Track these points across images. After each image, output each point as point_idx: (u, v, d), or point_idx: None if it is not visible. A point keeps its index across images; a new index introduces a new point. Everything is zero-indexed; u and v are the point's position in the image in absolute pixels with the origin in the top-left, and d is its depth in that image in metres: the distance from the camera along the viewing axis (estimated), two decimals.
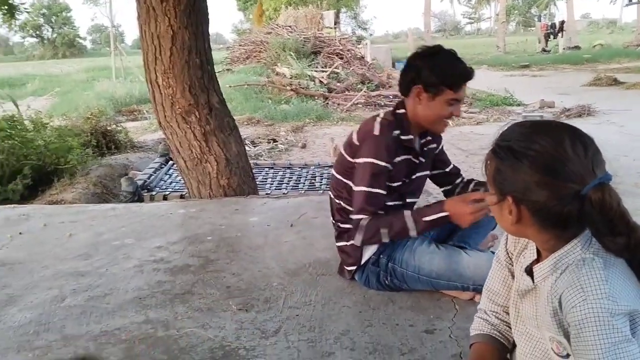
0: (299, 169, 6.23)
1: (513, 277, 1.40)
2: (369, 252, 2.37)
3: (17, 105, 7.62)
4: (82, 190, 6.02)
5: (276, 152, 8.93)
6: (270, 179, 5.79)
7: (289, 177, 5.88)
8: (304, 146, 9.22)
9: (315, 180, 5.79)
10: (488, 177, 1.22)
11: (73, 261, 2.93)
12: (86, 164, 6.83)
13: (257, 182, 4.87)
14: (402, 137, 2.31)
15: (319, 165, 6.42)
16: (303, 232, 3.28)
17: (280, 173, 6.05)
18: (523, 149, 1.14)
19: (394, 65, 19.37)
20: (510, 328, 1.41)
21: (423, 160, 2.45)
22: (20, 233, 3.42)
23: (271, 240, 3.16)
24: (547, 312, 1.17)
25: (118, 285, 2.61)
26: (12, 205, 4.18)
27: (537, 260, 1.27)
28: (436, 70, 2.20)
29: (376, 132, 2.25)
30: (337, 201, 2.46)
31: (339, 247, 2.47)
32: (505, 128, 1.22)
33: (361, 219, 2.26)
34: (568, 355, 1.13)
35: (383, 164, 2.24)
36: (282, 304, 2.40)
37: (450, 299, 2.33)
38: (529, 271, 1.29)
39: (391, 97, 12.31)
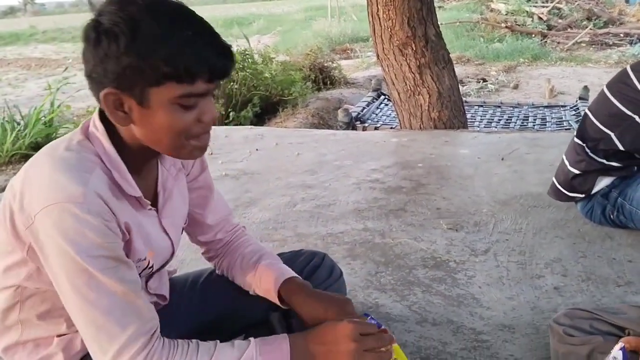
0: (511, 109, 6.03)
1: None
2: (601, 183, 2.30)
3: (248, 41, 8.44)
4: (302, 120, 6.60)
5: (485, 91, 8.69)
6: (479, 117, 5.72)
7: (499, 116, 5.75)
8: (516, 87, 8.81)
9: (527, 120, 5.57)
10: None
11: (301, 175, 3.32)
12: (305, 97, 7.43)
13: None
14: None
15: (533, 105, 6.13)
16: (514, 166, 3.27)
17: (490, 111, 5.93)
18: None
19: (627, 1, 17.07)
20: None
21: None
22: (256, 149, 3.94)
23: (481, 172, 3.21)
24: None
25: (340, 198, 2.92)
26: (249, 127, 4.79)
27: None
28: None
29: None
30: (581, 143, 2.35)
31: (574, 174, 2.35)
32: None
33: None
34: None
35: None
36: (491, 228, 2.48)
37: None
38: None
39: (622, 35, 10.99)
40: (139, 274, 1.09)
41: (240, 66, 6.87)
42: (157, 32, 0.92)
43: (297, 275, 1.31)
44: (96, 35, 0.93)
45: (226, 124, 6.32)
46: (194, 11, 0.99)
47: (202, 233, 1.39)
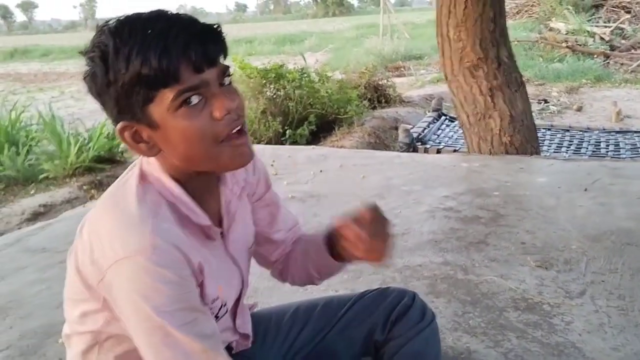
0: (580, 133, 5.77)
1: None
2: None
3: (305, 59, 8.44)
4: (359, 139, 6.51)
5: (547, 113, 8.41)
6: (547, 141, 5.50)
7: (569, 141, 5.51)
8: (579, 109, 8.50)
9: (600, 146, 5.31)
10: None
11: (369, 199, 3.19)
12: (361, 115, 7.34)
13: None
14: None
15: (604, 130, 5.85)
16: (599, 197, 3.07)
17: (559, 135, 5.70)
18: None
19: None
20: None
21: None
22: (320, 171, 3.85)
23: (564, 203, 3.02)
24: None
25: (413, 227, 2.79)
26: (311, 147, 4.72)
27: None
28: None
29: None
30: None
31: None
32: None
33: None
34: None
35: None
36: (584, 267, 2.30)
37: None
38: None
39: None
40: (217, 316, 1.03)
41: (298, 84, 6.86)
42: (123, 48, 0.85)
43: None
44: (86, 83, 0.89)
45: (282, 143, 6.29)
46: (163, 10, 0.90)
47: (274, 250, 1.30)
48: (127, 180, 0.98)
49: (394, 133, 6.81)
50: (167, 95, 0.87)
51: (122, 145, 5.88)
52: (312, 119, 6.83)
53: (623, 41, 12.27)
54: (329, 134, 6.97)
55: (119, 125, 0.91)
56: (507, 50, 4.08)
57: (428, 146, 5.33)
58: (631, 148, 5.13)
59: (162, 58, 0.84)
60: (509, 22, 16.16)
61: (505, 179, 3.46)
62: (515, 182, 3.41)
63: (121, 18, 0.89)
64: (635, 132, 5.66)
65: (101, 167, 5.30)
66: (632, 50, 11.70)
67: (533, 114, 8.23)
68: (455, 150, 4.89)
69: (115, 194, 0.97)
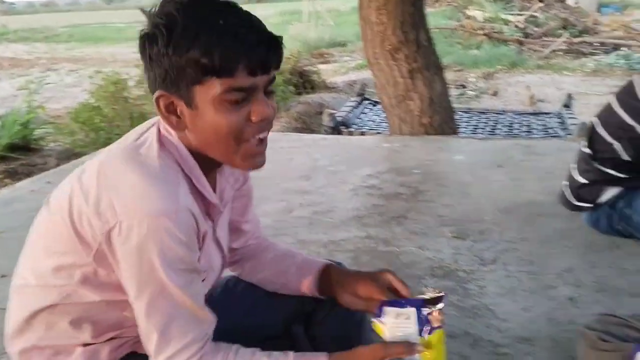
0: (495, 115, 6.05)
1: None
2: (608, 193, 2.27)
3: None
4: (285, 124, 6.52)
5: (465, 98, 8.73)
6: (464, 124, 5.71)
7: (485, 123, 5.75)
8: (495, 93, 8.87)
9: (513, 127, 5.59)
10: None
11: (296, 181, 3.23)
12: (287, 101, 7.35)
13: None
14: None
15: (518, 112, 6.16)
16: (512, 173, 3.24)
17: (476, 118, 5.94)
18: None
19: (599, 10, 17.48)
20: None
21: None
22: None
23: (479, 179, 3.17)
24: None
25: (338, 205, 2.85)
26: None
27: None
28: None
29: None
30: (589, 153, 2.32)
31: (581, 183, 2.35)
32: None
33: None
34: None
35: None
36: (497, 237, 2.44)
37: None
38: None
39: (597, 44, 11.20)
40: None
41: None
42: (191, 27, 0.89)
43: (336, 262, 1.29)
44: (141, 41, 0.92)
45: None
46: (236, 4, 0.94)
47: (237, 239, 1.32)
48: (146, 140, 0.99)
49: (319, 118, 6.86)
50: (216, 86, 0.90)
51: (37, 133, 5.62)
52: None
53: (536, 29, 12.88)
54: None
55: (158, 92, 0.94)
56: (425, 34, 4.21)
57: (352, 129, 5.42)
58: (542, 129, 5.43)
59: (226, 53, 0.88)
60: (429, 10, 16.54)
61: (425, 158, 3.59)
62: (435, 161, 3.54)
63: None
64: (546, 113, 6.00)
65: (15, 156, 5.04)
66: (544, 38, 12.32)
67: (452, 98, 8.56)
68: (378, 133, 5.00)
69: (137, 152, 0.98)
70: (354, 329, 1.32)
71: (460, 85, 9.37)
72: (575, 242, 2.34)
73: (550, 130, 5.30)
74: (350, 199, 2.92)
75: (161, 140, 1.00)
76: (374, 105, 6.26)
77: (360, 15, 4.21)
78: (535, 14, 13.39)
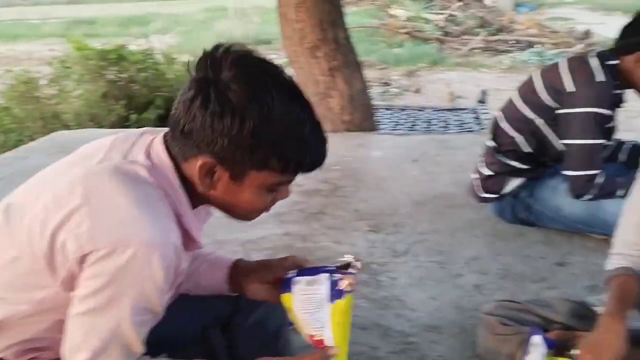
0: (415, 112, 6.21)
1: None
2: (512, 184, 2.38)
3: (149, 40, 8.11)
4: None
5: (389, 95, 8.91)
6: (386, 120, 5.83)
7: (405, 119, 5.89)
8: (417, 91, 9.11)
9: (431, 123, 5.76)
10: None
11: None
12: None
13: None
14: (614, 91, 2.19)
15: (436, 108, 6.35)
16: (426, 167, 3.34)
17: (396, 115, 6.07)
18: None
19: (515, 9, 18.31)
20: None
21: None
22: None
23: (396, 173, 3.25)
24: None
25: None
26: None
27: None
28: None
29: (599, 78, 2.14)
30: (493, 146, 2.42)
31: (487, 175, 2.43)
32: None
33: (595, 174, 2.16)
34: None
35: (607, 112, 2.15)
36: (410, 229, 2.51)
37: (582, 237, 2.32)
38: None
39: (512, 41, 11.73)
40: None
41: (142, 67, 6.59)
42: (283, 125, 0.92)
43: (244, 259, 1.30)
44: (221, 110, 0.89)
45: (127, 127, 6.02)
46: (302, 90, 0.99)
47: None
48: (136, 162, 0.96)
49: None
50: (273, 177, 0.97)
51: None
52: (159, 102, 6.60)
53: (455, 27, 13.31)
54: None
55: (206, 158, 0.94)
56: (344, 32, 4.26)
57: None
58: (458, 124, 5.63)
59: (300, 165, 0.98)
60: (354, 9, 16.77)
61: (345, 154, 3.64)
62: (354, 157, 3.60)
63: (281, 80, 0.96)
64: (462, 109, 6.22)
65: None
66: (464, 36, 12.76)
67: (376, 95, 8.71)
68: None
69: (127, 174, 0.94)
70: (273, 331, 1.33)
71: (384, 83, 9.55)
72: (483, 231, 2.44)
73: (465, 126, 5.50)
74: None
75: (153, 165, 0.97)
76: None
77: (279, 12, 4.21)
78: (454, 13, 13.85)
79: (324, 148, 1.01)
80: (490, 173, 2.42)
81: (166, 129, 1.00)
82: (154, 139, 1.01)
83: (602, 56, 2.21)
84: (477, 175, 2.50)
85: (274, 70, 0.96)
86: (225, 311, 1.35)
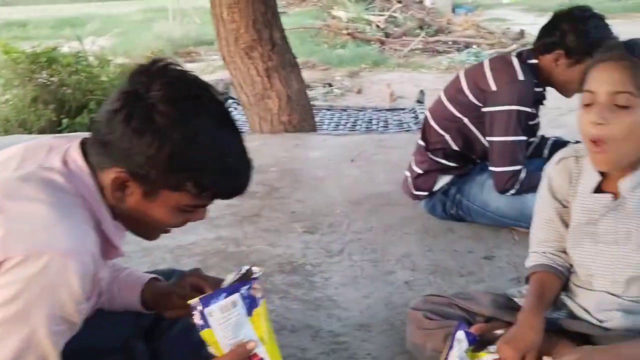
0: (356, 112, 6.27)
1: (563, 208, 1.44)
2: (441, 182, 2.42)
3: (81, 42, 7.86)
4: None
5: (332, 96, 8.95)
6: (327, 121, 5.86)
7: (346, 119, 5.94)
8: (359, 91, 9.19)
9: (372, 123, 5.82)
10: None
11: None
12: None
13: None
14: (535, 89, 2.25)
15: (376, 108, 6.43)
16: (364, 167, 3.37)
17: (337, 115, 6.12)
18: None
19: (454, 10, 18.79)
20: (565, 260, 1.45)
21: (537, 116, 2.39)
22: None
23: (333, 173, 3.26)
24: None
25: None
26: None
27: (601, 181, 1.32)
28: (583, 38, 2.09)
29: (520, 77, 2.18)
30: (423, 144, 2.46)
31: (418, 173, 2.46)
32: (633, 42, 1.21)
33: (518, 170, 2.22)
34: None
35: (529, 110, 2.21)
36: (345, 228, 2.51)
37: (509, 231, 2.38)
38: (601, 190, 1.33)
39: (450, 42, 12.01)
40: None
41: (74, 69, 6.38)
42: (206, 153, 0.93)
43: (158, 277, 1.28)
44: (143, 127, 0.88)
45: (59, 132, 5.81)
46: (232, 117, 1.03)
47: None
48: (53, 168, 0.94)
49: None
50: (187, 199, 0.96)
51: None
52: (92, 107, 6.41)
53: (396, 28, 13.51)
54: None
55: (120, 171, 0.92)
56: (279, 32, 4.25)
57: None
58: (398, 124, 5.72)
59: (225, 189, 0.99)
60: (296, 10, 16.75)
61: (282, 155, 3.62)
62: (291, 157, 3.59)
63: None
64: (402, 109, 6.33)
65: None
66: (404, 37, 12.97)
67: (319, 96, 8.72)
68: (241, 132, 4.97)
69: (44, 180, 0.92)
70: (200, 339, 1.29)
71: (327, 84, 9.59)
72: (415, 228, 2.47)
73: (405, 125, 5.59)
74: None
75: (70, 172, 0.95)
76: (239, 104, 6.22)
77: (213, 13, 4.16)
78: (394, 14, 14.06)
79: (246, 178, 1.02)
80: (421, 171, 2.45)
81: (84, 135, 1.00)
82: (70, 146, 0.99)
83: (523, 55, 2.28)
84: (409, 174, 2.53)
85: (206, 95, 0.96)
86: (148, 320, 1.31)
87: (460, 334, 1.33)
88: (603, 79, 1.20)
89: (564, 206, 1.44)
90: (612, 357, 1.22)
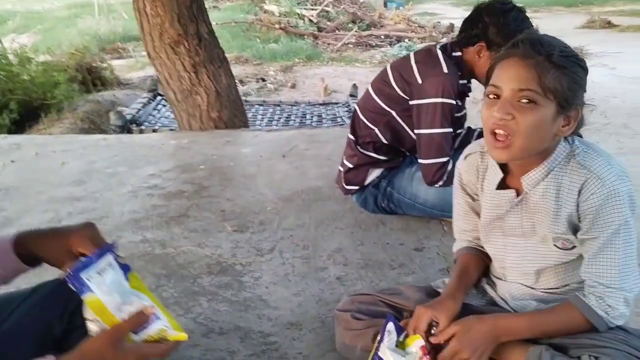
0: (290, 107, 6.22)
1: (474, 202, 1.47)
2: (372, 175, 2.41)
3: (0, 40, 7.44)
4: (70, 125, 6.01)
5: (265, 91, 8.86)
6: (260, 116, 5.79)
7: (279, 115, 5.88)
8: (293, 86, 9.14)
9: (305, 118, 5.79)
10: (548, 89, 1.16)
11: (67, 187, 2.95)
12: (73, 100, 6.78)
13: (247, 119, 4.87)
14: (460, 82, 2.25)
15: (310, 103, 6.41)
16: (295, 162, 3.32)
17: (270, 110, 6.05)
18: (577, 59, 1.20)
19: (385, 5, 19.02)
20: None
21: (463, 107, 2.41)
22: (12, 161, 3.42)
23: (264, 170, 3.20)
24: (547, 213, 1.26)
25: (113, 209, 2.65)
26: (3, 135, 4.17)
27: (505, 177, 1.34)
28: (504, 31, 2.10)
29: (445, 70, 2.19)
30: (352, 138, 2.44)
31: (348, 167, 2.45)
32: (539, 40, 1.22)
33: (445, 162, 2.22)
34: (573, 247, 1.28)
35: (454, 102, 2.21)
36: (276, 225, 2.46)
37: (439, 221, 2.40)
38: (505, 186, 1.34)
39: (382, 37, 12.15)
40: None
41: None
42: None
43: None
44: None
45: None
46: None
47: None
48: None
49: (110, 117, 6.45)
50: None
51: None
52: (13, 106, 6.09)
53: (328, 23, 13.55)
54: (35, 122, 6.28)
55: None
56: (206, 26, 4.14)
57: (144, 127, 5.17)
58: (331, 118, 5.72)
59: None
60: (227, 4, 16.47)
61: (212, 153, 3.53)
62: (221, 155, 3.50)
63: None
64: (335, 103, 6.33)
65: None
66: (337, 31, 13.02)
67: (253, 92, 8.62)
68: (171, 130, 4.82)
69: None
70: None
71: (261, 79, 9.49)
72: (346, 222, 2.45)
73: (338, 119, 5.59)
74: (127, 202, 2.74)
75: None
76: (167, 101, 6.06)
77: (135, 6, 3.99)
78: (326, 8, 14.08)
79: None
80: (352, 165, 2.44)
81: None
82: None
83: (448, 48, 2.29)
84: (341, 168, 2.51)
85: None
86: (58, 331, 1.22)
87: (390, 326, 1.33)
88: (509, 76, 1.20)
89: (475, 200, 1.46)
90: (490, 328, 1.27)
